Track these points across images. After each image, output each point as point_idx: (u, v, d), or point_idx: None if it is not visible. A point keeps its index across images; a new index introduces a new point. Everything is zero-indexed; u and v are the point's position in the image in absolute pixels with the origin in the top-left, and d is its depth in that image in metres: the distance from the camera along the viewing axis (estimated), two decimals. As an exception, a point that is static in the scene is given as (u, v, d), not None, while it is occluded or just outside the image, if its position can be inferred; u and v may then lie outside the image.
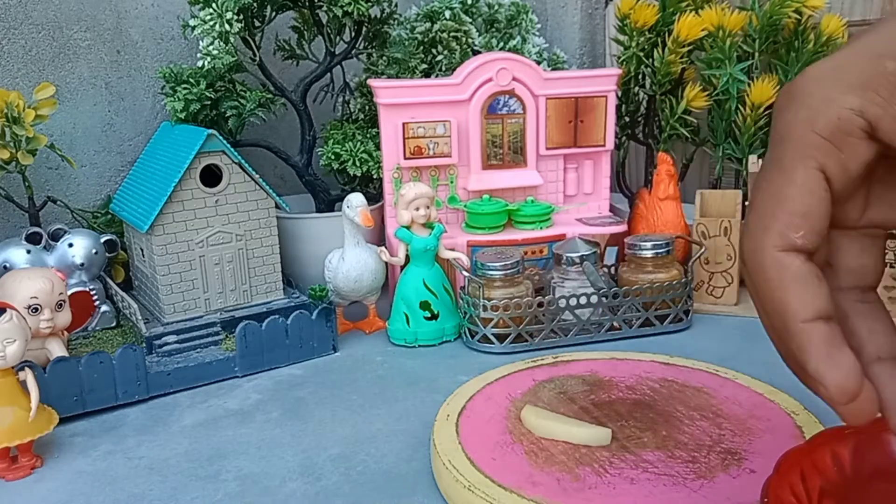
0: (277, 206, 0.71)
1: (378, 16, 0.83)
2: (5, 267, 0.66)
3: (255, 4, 0.76)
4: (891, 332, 0.31)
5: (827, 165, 0.28)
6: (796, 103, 0.29)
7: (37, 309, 0.56)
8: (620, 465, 0.44)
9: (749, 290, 0.30)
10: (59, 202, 0.77)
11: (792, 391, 0.52)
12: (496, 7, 0.92)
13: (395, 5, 0.84)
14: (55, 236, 0.70)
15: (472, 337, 0.69)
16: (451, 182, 0.79)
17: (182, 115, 0.75)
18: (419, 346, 0.71)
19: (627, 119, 0.95)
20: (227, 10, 0.72)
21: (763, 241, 0.29)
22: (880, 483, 0.36)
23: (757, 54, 0.86)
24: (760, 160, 0.77)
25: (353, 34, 0.81)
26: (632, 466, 0.44)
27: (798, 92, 0.29)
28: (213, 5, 0.72)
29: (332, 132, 0.83)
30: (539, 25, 0.96)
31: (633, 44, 0.90)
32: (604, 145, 0.82)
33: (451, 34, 0.86)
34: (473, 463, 0.45)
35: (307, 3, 0.79)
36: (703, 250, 0.73)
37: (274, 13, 0.79)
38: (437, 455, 0.46)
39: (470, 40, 0.87)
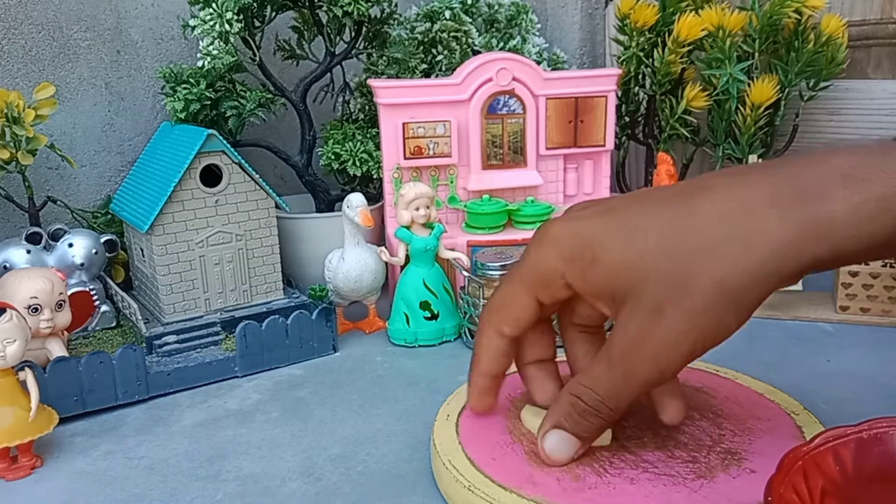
0: (277, 206, 0.71)
1: (378, 16, 0.83)
2: (5, 267, 0.66)
3: (255, 4, 0.76)
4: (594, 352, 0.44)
5: (538, 294, 0.43)
6: (536, 246, 0.42)
7: (37, 309, 0.56)
8: (620, 465, 0.44)
9: None
10: (59, 202, 0.77)
11: (792, 391, 0.52)
12: (496, 7, 0.92)
13: (395, 5, 0.84)
14: (55, 236, 0.70)
15: (472, 337, 0.69)
16: (451, 182, 0.79)
17: (182, 115, 0.75)
18: (419, 346, 0.71)
19: (627, 119, 0.95)
20: (227, 10, 0.72)
21: (486, 323, 0.45)
22: (882, 483, 0.36)
23: (757, 54, 0.86)
24: (760, 160, 0.78)
25: (353, 34, 0.81)
26: (632, 466, 0.44)
27: (540, 239, 0.42)
28: (213, 5, 0.72)
29: (332, 132, 0.83)
30: (539, 25, 0.96)
31: (633, 44, 0.90)
32: (604, 145, 0.82)
33: (451, 34, 0.86)
34: (473, 463, 0.45)
35: (307, 3, 0.79)
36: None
37: (274, 13, 0.79)
38: (437, 455, 0.46)
39: (470, 40, 0.87)
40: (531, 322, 0.45)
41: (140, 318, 0.65)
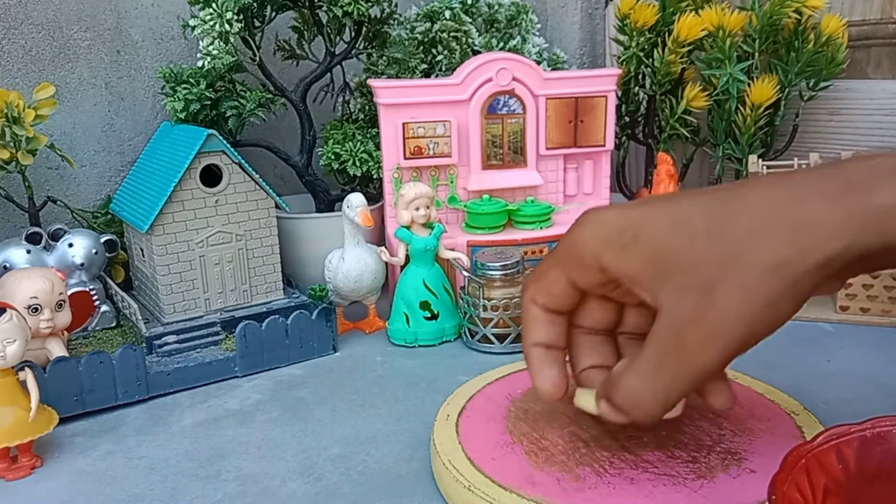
0: (277, 206, 0.71)
1: (378, 16, 0.83)
2: (5, 267, 0.66)
3: (255, 4, 0.76)
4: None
5: (571, 275, 0.42)
6: (575, 227, 0.42)
7: (37, 309, 0.56)
8: (620, 465, 0.44)
9: None
10: (59, 202, 0.77)
11: (792, 391, 0.52)
12: (496, 7, 0.92)
13: (395, 5, 0.84)
14: (55, 236, 0.70)
15: (472, 337, 0.69)
16: (451, 182, 0.79)
17: (182, 115, 0.75)
18: (419, 346, 0.71)
19: (627, 119, 0.95)
20: (227, 10, 0.72)
21: (525, 293, 0.45)
22: (884, 482, 0.36)
23: (757, 54, 0.86)
24: (760, 160, 0.78)
25: (353, 34, 0.81)
26: (632, 466, 0.44)
27: (580, 221, 0.42)
28: (213, 5, 0.72)
29: (332, 132, 0.83)
30: (539, 25, 0.96)
31: (633, 44, 0.90)
32: (604, 145, 0.82)
33: (451, 34, 0.86)
34: (473, 463, 0.45)
35: (307, 3, 0.79)
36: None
37: (274, 13, 0.79)
38: (437, 455, 0.46)
39: (470, 40, 0.87)
40: (566, 300, 0.44)
41: (140, 318, 0.65)
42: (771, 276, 0.35)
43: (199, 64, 0.74)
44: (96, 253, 0.70)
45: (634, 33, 0.90)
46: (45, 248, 0.68)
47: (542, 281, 0.44)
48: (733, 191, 0.38)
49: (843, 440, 0.37)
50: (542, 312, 0.44)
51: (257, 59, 0.78)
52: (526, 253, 0.76)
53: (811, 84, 0.86)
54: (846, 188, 0.35)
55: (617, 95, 0.84)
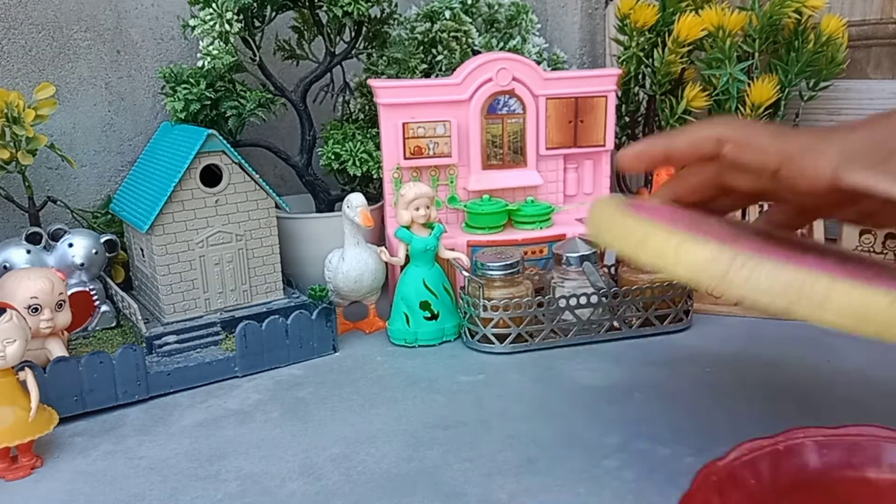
0: (277, 206, 0.71)
1: (378, 16, 0.83)
2: (5, 267, 0.66)
3: (255, 4, 0.76)
4: None
5: (791, 185, 0.40)
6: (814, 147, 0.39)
7: (37, 309, 0.56)
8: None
9: None
10: (59, 202, 0.77)
11: (792, 391, 0.52)
12: (496, 7, 0.92)
13: (395, 5, 0.83)
14: (55, 236, 0.70)
15: (472, 337, 0.69)
16: (451, 182, 0.79)
17: (182, 115, 0.75)
18: (419, 346, 0.71)
19: (627, 119, 0.95)
20: (227, 10, 0.72)
21: (715, 125, 0.43)
22: (799, 494, 0.36)
23: (757, 54, 0.86)
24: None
25: (353, 34, 0.81)
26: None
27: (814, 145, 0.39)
28: (213, 5, 0.72)
29: (332, 132, 0.83)
30: (539, 25, 0.96)
31: (633, 44, 0.90)
32: (604, 145, 0.82)
33: (451, 34, 0.86)
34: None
35: (307, 3, 0.79)
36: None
37: (274, 13, 0.79)
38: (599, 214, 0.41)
39: (470, 40, 0.87)
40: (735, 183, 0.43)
41: (140, 318, 0.65)
42: None
43: (199, 64, 0.74)
44: (96, 253, 0.70)
45: (634, 33, 0.90)
46: (45, 248, 0.68)
47: (751, 143, 0.41)
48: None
49: (756, 455, 0.37)
50: (712, 149, 0.42)
51: (257, 59, 0.78)
52: (526, 253, 0.76)
53: (811, 84, 0.86)
54: None
55: (617, 95, 0.84)
